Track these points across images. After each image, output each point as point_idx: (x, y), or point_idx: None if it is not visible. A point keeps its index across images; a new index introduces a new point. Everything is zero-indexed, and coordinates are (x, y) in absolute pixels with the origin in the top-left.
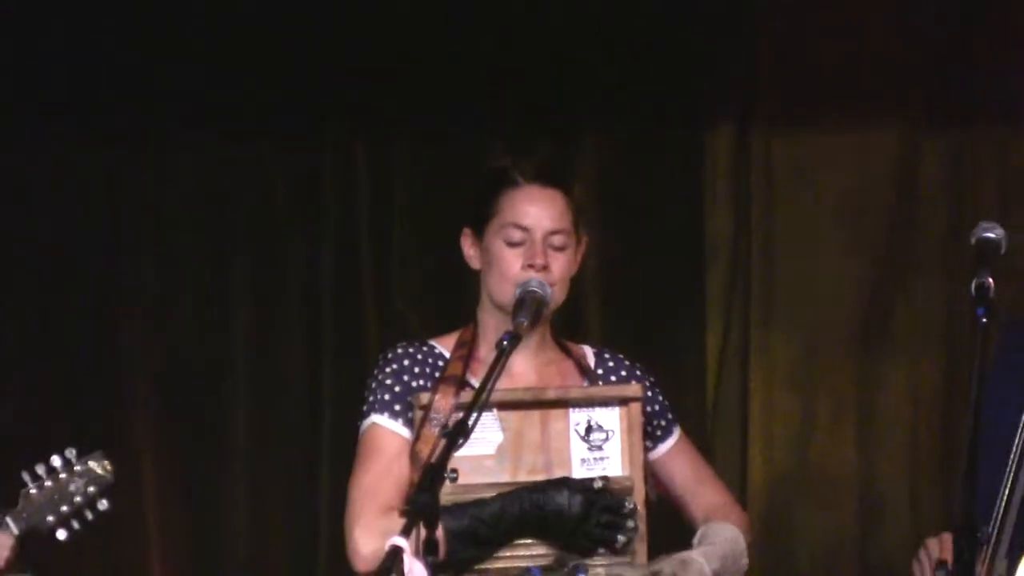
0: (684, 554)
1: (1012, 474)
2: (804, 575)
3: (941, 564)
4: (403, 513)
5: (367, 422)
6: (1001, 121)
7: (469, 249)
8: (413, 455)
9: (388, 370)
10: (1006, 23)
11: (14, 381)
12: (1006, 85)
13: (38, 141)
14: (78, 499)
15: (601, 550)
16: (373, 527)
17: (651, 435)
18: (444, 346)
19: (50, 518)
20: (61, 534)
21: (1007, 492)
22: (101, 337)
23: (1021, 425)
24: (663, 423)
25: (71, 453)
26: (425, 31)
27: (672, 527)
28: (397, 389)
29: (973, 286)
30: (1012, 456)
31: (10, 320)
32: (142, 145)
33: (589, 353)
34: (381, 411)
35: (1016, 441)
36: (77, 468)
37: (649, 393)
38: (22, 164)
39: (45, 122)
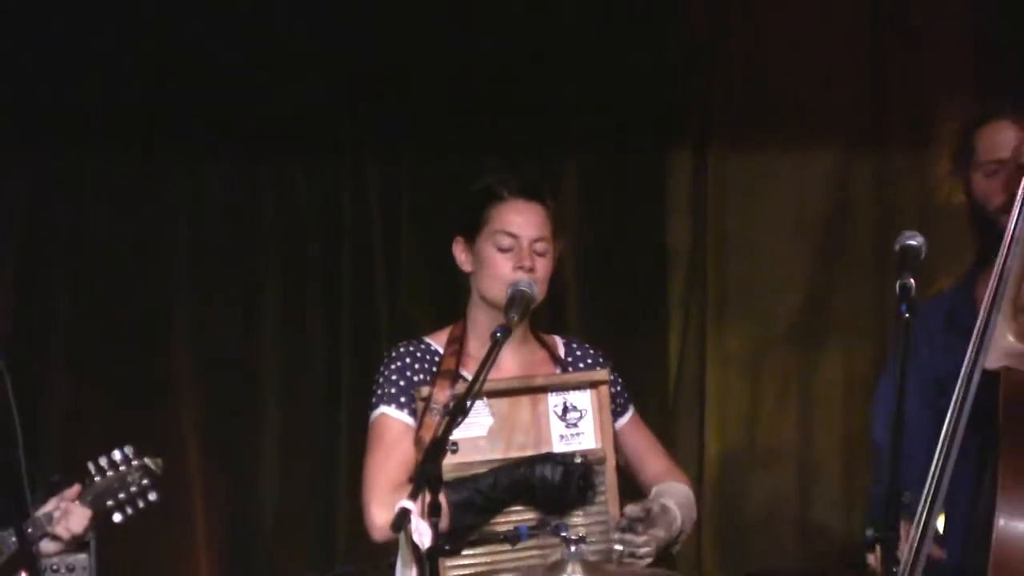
0: (662, 500)
1: (945, 446)
2: (752, 530)
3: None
4: (411, 481)
5: (376, 413)
6: (918, 145)
7: (461, 254)
8: (417, 440)
9: (392, 367)
10: (920, 64)
11: (72, 377)
12: (921, 115)
13: (89, 153)
14: (133, 489)
15: (579, 510)
16: (385, 501)
17: (611, 411)
18: (438, 342)
19: (109, 503)
20: (116, 517)
21: (939, 465)
22: (148, 336)
23: (956, 397)
24: (620, 402)
25: (129, 450)
26: (428, 68)
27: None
28: (401, 383)
29: (897, 286)
30: (946, 432)
31: (68, 324)
32: (185, 161)
33: (559, 343)
34: (388, 403)
35: (949, 417)
36: (134, 463)
37: (610, 377)
38: (80, 174)
39: (94, 137)
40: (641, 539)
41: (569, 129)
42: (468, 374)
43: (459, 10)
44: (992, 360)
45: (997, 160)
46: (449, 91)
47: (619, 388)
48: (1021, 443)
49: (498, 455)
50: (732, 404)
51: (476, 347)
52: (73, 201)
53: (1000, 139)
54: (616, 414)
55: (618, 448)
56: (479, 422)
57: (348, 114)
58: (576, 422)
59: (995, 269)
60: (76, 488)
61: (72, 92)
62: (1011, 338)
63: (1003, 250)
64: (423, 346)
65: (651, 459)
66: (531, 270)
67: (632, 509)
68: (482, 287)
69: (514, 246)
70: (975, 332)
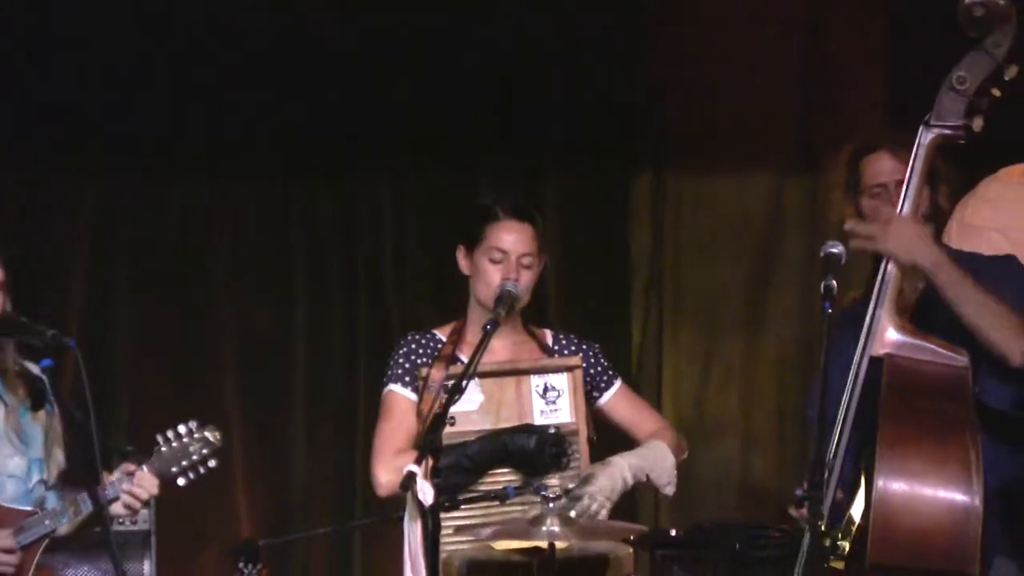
0: (606, 460)
1: (842, 420)
2: (701, 490)
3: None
4: (416, 448)
5: (386, 390)
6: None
7: (462, 260)
8: (418, 412)
9: (401, 352)
10: (842, 98)
11: (135, 362)
12: (843, 142)
13: (150, 174)
14: (195, 458)
15: (555, 473)
16: (389, 464)
17: (599, 387)
18: (443, 333)
19: (174, 469)
20: (181, 481)
21: (838, 433)
22: (197, 326)
23: (848, 384)
24: (606, 378)
25: (193, 424)
26: (431, 108)
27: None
28: (407, 366)
29: (822, 287)
30: (841, 408)
31: (130, 316)
32: (230, 181)
33: (548, 335)
34: (396, 381)
35: (844, 396)
36: (196, 435)
37: (593, 359)
38: (140, 192)
39: (156, 160)
40: (585, 500)
41: (549, 156)
42: (464, 357)
43: (459, 64)
44: (877, 348)
45: (879, 184)
46: (449, 127)
47: (602, 368)
48: (897, 416)
49: (487, 427)
50: (684, 385)
51: (473, 336)
52: (134, 214)
53: (880, 167)
54: (602, 390)
55: (612, 418)
56: (471, 399)
57: (364, 144)
58: (554, 400)
59: (879, 275)
60: (146, 457)
61: (137, 122)
62: (893, 330)
63: (885, 259)
64: (429, 336)
65: (642, 422)
66: (517, 280)
67: (564, 478)
68: (476, 291)
69: (504, 259)
70: (864, 326)
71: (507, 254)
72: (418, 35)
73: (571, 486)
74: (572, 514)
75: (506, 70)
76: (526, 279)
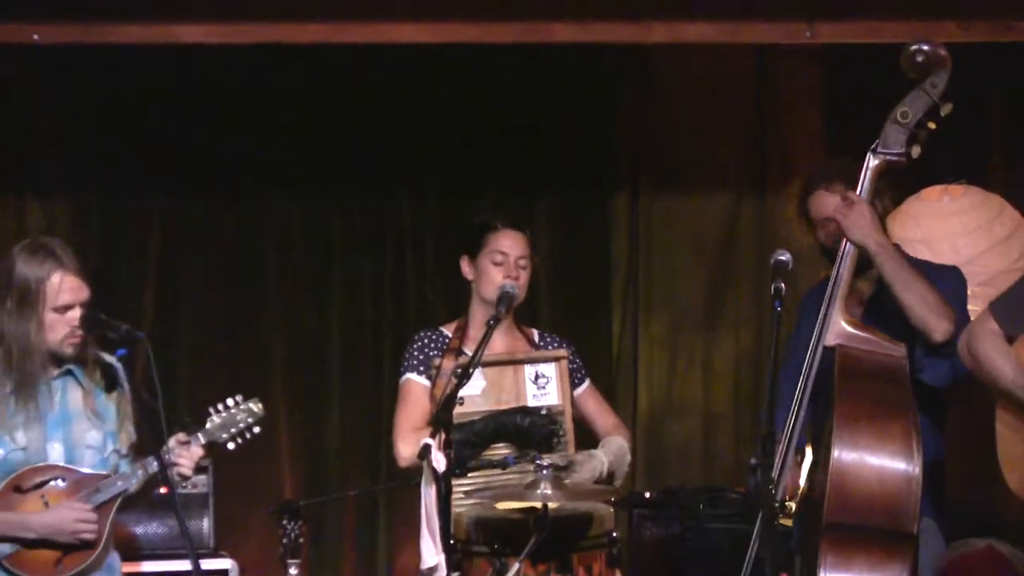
0: (590, 451)
1: (799, 398)
2: (670, 460)
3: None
4: (431, 424)
5: (403, 378)
6: (788, 187)
7: (466, 267)
8: (431, 396)
9: (416, 345)
10: (788, 131)
11: (196, 348)
12: (788, 169)
13: (211, 190)
14: (241, 426)
15: (546, 447)
16: (408, 439)
17: (572, 382)
18: (448, 330)
19: (224, 436)
20: (230, 446)
21: (796, 409)
22: (248, 320)
23: (805, 365)
24: (579, 376)
25: (239, 397)
26: (444, 142)
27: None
28: (421, 357)
29: (772, 289)
30: (799, 389)
31: (193, 309)
32: (279, 197)
33: (536, 333)
34: (412, 371)
35: (800, 380)
36: (242, 407)
37: (570, 357)
38: (202, 205)
39: (217, 178)
40: (566, 481)
41: (542, 181)
42: (468, 350)
43: (465, 105)
44: (830, 339)
45: (824, 218)
46: (459, 157)
47: (577, 365)
48: (850, 396)
49: (489, 408)
50: (656, 371)
51: (475, 332)
52: (197, 222)
53: (821, 203)
54: (575, 384)
55: (576, 408)
56: (476, 384)
57: (389, 171)
58: (545, 386)
59: (831, 278)
60: (201, 427)
61: (201, 148)
62: (843, 324)
63: (836, 266)
64: (437, 332)
65: (601, 418)
66: (516, 279)
67: (553, 458)
68: (481, 290)
69: (504, 262)
70: (818, 320)
71: (507, 256)
72: (435, 84)
73: (560, 464)
74: (564, 478)
75: (505, 111)
76: (523, 278)
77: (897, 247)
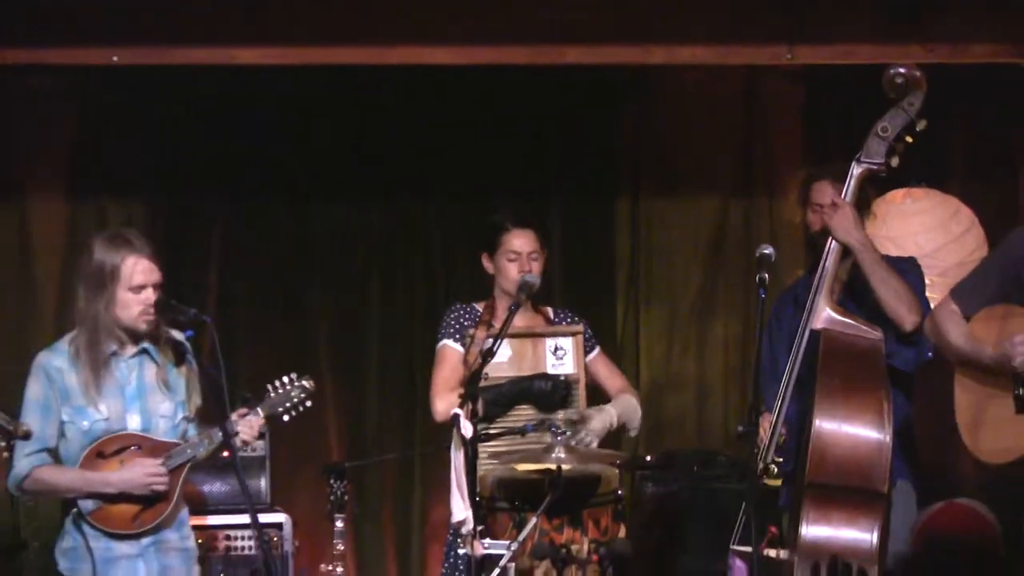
0: (601, 406)
1: (788, 375)
2: (668, 427)
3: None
4: (461, 396)
5: (440, 344)
6: (771, 194)
7: (486, 263)
8: (464, 360)
9: (451, 316)
10: (773, 142)
11: (254, 334)
12: (771, 176)
13: (265, 201)
14: (296, 400)
15: (561, 411)
16: (444, 398)
17: (584, 350)
18: (479, 306)
19: (280, 409)
20: (285, 418)
21: (785, 385)
22: (299, 308)
23: (794, 346)
24: (590, 345)
25: (294, 375)
26: (467, 153)
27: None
28: (456, 326)
29: (757, 278)
30: (787, 369)
31: (251, 300)
32: (326, 203)
33: (551, 311)
34: (448, 337)
35: (790, 359)
36: (296, 384)
37: (583, 328)
38: (259, 214)
39: (272, 190)
40: (581, 434)
41: (555, 185)
42: (496, 324)
43: (486, 120)
44: (816, 323)
45: (819, 204)
46: (481, 167)
47: (589, 334)
48: (831, 372)
49: (514, 374)
50: (655, 352)
51: (501, 311)
52: (253, 223)
53: (821, 192)
54: (587, 351)
55: (588, 372)
56: (503, 354)
57: (421, 181)
58: (562, 357)
59: (819, 268)
60: (259, 401)
61: (258, 164)
62: (828, 310)
63: (823, 257)
64: (470, 307)
65: (611, 380)
66: (529, 271)
67: (569, 414)
68: (501, 283)
69: (517, 258)
70: (807, 306)
71: (519, 254)
72: (459, 102)
73: (575, 418)
74: (572, 443)
75: (520, 123)
76: (536, 268)
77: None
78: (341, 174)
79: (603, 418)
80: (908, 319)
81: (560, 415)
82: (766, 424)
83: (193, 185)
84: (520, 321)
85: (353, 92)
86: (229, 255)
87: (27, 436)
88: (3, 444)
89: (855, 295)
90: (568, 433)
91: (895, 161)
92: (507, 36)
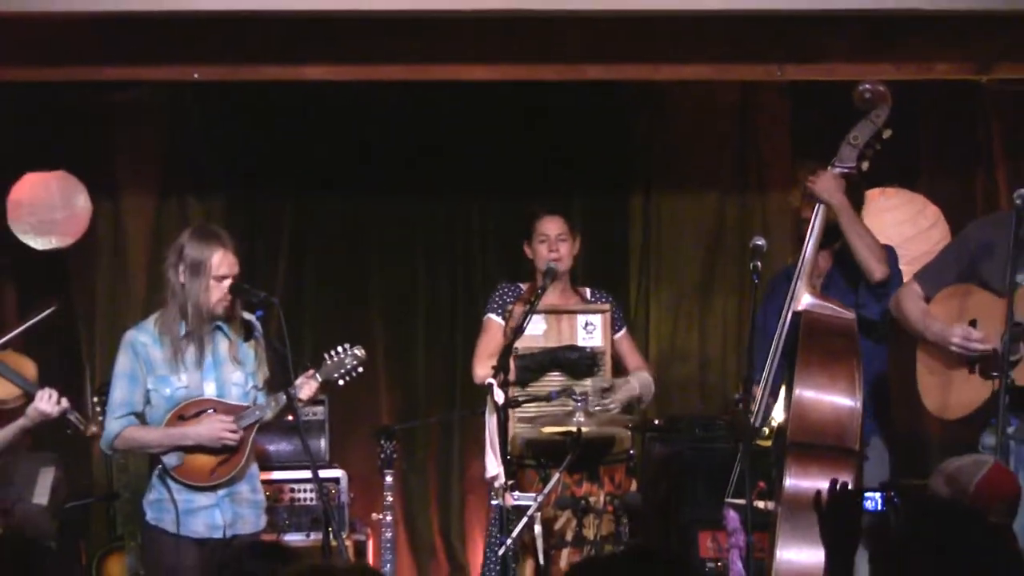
0: (626, 377)
1: (774, 349)
2: (674, 394)
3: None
4: (493, 368)
5: (486, 316)
6: (763, 192)
7: (527, 249)
8: (504, 332)
9: (497, 293)
10: (765, 146)
11: (317, 313)
12: (764, 176)
13: (328, 196)
14: (349, 366)
15: (587, 379)
16: (484, 364)
17: (613, 328)
18: (523, 286)
19: (335, 375)
20: (340, 382)
21: (772, 358)
22: (357, 291)
23: (779, 325)
24: (618, 325)
25: (347, 345)
26: (502, 158)
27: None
28: (500, 302)
29: (751, 266)
30: (775, 342)
31: (315, 284)
32: (376, 203)
33: (588, 291)
34: (492, 311)
35: (776, 334)
36: (349, 352)
37: (614, 309)
38: (321, 207)
39: (335, 188)
40: (607, 400)
41: (578, 184)
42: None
43: (519, 130)
44: (798, 306)
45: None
46: (514, 168)
47: (619, 316)
48: (810, 348)
49: (549, 344)
50: (663, 328)
51: None
52: (317, 216)
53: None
54: (615, 330)
55: (613, 348)
56: (538, 327)
57: (463, 181)
58: (592, 331)
59: (800, 256)
60: (318, 367)
61: (321, 163)
62: (808, 294)
63: (804, 245)
64: (515, 285)
65: (631, 357)
66: (558, 251)
67: (598, 381)
68: (537, 264)
69: (547, 240)
70: (789, 290)
71: (548, 236)
72: (499, 115)
73: (605, 386)
74: (599, 407)
75: (549, 131)
76: (564, 250)
77: None
78: (394, 173)
79: (628, 389)
80: (878, 269)
81: (589, 383)
82: (757, 393)
83: (265, 183)
84: (558, 299)
85: (406, 104)
86: (296, 245)
87: (95, 437)
88: (95, 429)
89: (835, 282)
90: (593, 399)
91: (865, 165)
92: (538, 56)
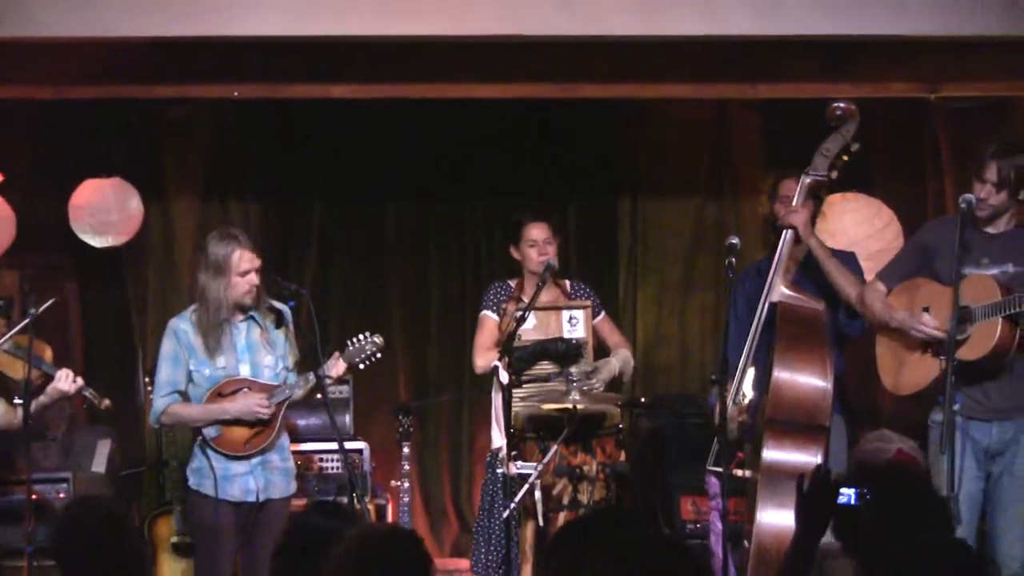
0: (606, 359)
1: (752, 337)
2: (657, 375)
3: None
4: (499, 352)
5: (481, 313)
6: (737, 198)
7: (514, 252)
8: (499, 328)
9: (491, 292)
10: (739, 155)
11: (342, 303)
12: (738, 183)
13: (344, 198)
14: (369, 352)
15: (574, 366)
16: (482, 356)
17: (593, 314)
18: (512, 283)
19: (356, 359)
20: (361, 366)
21: (749, 344)
22: (377, 286)
23: (757, 315)
24: (597, 309)
25: (367, 333)
26: (501, 168)
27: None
28: (494, 299)
29: (726, 262)
30: (752, 331)
31: (340, 279)
32: (396, 206)
33: (568, 284)
34: (488, 308)
35: (753, 325)
36: (369, 339)
37: (593, 299)
38: (344, 208)
39: (349, 189)
40: (593, 380)
41: (571, 190)
42: (525, 299)
43: (517, 142)
44: (774, 297)
45: (786, 195)
46: (512, 177)
47: (597, 302)
48: (785, 334)
49: (538, 337)
50: (648, 317)
51: (528, 288)
52: (344, 219)
53: (788, 187)
54: (595, 315)
55: (595, 331)
56: (530, 322)
57: (471, 184)
58: (575, 324)
59: (776, 253)
60: (342, 352)
61: (344, 167)
62: (783, 287)
63: (779, 248)
64: (506, 284)
65: (612, 338)
66: (547, 253)
67: (583, 366)
68: (525, 266)
69: (536, 244)
70: (766, 284)
71: (537, 241)
72: (502, 128)
73: (588, 370)
74: (585, 388)
75: (547, 142)
76: (551, 251)
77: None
78: (410, 181)
79: (608, 368)
80: (853, 292)
81: (574, 368)
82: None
83: (296, 189)
84: (545, 296)
85: (421, 119)
86: (324, 243)
87: (108, 409)
88: (108, 402)
89: (808, 271)
90: (582, 381)
91: (835, 174)
92: (537, 76)
